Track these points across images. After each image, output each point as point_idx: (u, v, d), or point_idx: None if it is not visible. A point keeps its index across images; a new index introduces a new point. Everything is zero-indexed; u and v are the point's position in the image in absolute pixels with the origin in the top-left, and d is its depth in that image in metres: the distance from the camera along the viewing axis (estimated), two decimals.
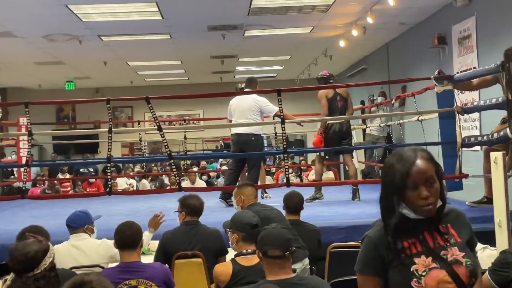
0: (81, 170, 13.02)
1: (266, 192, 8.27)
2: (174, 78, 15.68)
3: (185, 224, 4.54)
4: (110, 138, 5.99)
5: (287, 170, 6.16)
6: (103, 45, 10.48)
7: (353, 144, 8.78)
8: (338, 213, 6.55)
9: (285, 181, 6.13)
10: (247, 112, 7.25)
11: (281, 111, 6.12)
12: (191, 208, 4.54)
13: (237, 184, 6.93)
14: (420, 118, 7.39)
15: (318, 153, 7.83)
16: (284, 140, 6.06)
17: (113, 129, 6.08)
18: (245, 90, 7.43)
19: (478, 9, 7.54)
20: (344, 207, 6.99)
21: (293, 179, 11.61)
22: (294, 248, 2.89)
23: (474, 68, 7.40)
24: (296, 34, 10.39)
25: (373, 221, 5.02)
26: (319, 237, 4.98)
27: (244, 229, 3.76)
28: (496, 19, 7.12)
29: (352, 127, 9.93)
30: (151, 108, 6.07)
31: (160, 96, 7.02)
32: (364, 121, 11.25)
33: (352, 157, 8.11)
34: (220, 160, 16.07)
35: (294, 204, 4.98)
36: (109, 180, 6.17)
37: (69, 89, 14.58)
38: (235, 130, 7.38)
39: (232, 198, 5.04)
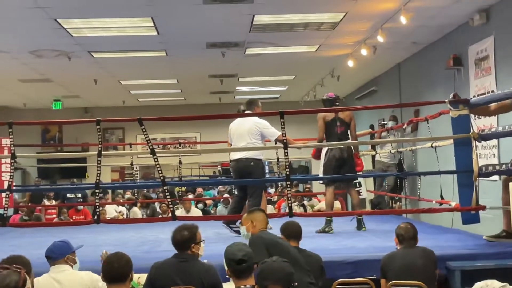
0: (67, 195, 13.01)
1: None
2: (169, 98, 15.74)
3: (175, 257, 4.50)
4: (99, 162, 6.00)
5: (289, 198, 6.16)
6: (94, 62, 10.55)
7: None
8: (345, 246, 6.53)
9: (287, 210, 6.12)
10: (247, 135, 7.26)
11: (283, 135, 6.13)
12: (175, 242, 4.46)
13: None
14: (433, 145, 7.41)
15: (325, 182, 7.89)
16: (287, 166, 6.06)
17: (102, 152, 6.09)
18: (246, 112, 7.45)
19: (496, 29, 7.60)
20: (351, 240, 6.96)
21: (297, 209, 11.57)
22: (296, 284, 2.87)
23: (492, 91, 7.43)
24: (301, 53, 10.46)
25: (382, 255, 5.07)
26: (321, 263, 4.96)
27: (230, 265, 3.74)
28: None
29: (360, 153, 9.98)
30: (144, 130, 6.09)
31: (154, 118, 7.03)
32: (373, 147, 11.27)
33: (358, 186, 8.14)
34: (218, 187, 16.05)
35: (294, 230, 5.01)
36: (97, 207, 6.17)
37: (56, 108, 14.65)
38: (234, 156, 7.39)
39: (238, 224, 5.03)
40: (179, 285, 4.25)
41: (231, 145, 7.61)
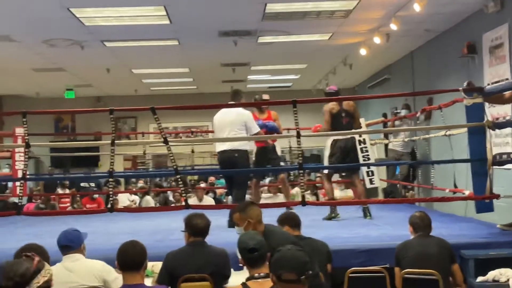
0: (81, 184, 13.09)
1: None
2: (181, 87, 15.76)
3: (189, 245, 4.58)
4: (112, 151, 6.02)
5: (303, 187, 6.16)
6: (106, 51, 10.58)
7: (372, 160, 8.91)
8: (358, 234, 6.54)
9: (300, 199, 6.13)
10: (229, 126, 7.19)
11: (297, 123, 6.10)
12: (195, 228, 4.58)
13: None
14: (447, 133, 7.39)
15: (322, 172, 7.95)
16: (300, 155, 6.06)
17: (115, 141, 6.11)
18: (230, 103, 7.37)
19: (511, 16, 7.54)
20: (365, 228, 6.97)
21: (309, 198, 11.58)
22: (310, 272, 2.88)
23: (507, 79, 7.38)
24: (314, 41, 10.43)
25: (396, 244, 5.07)
26: (328, 249, 5.00)
27: (242, 254, 3.78)
28: None
29: (373, 141, 9.98)
30: (157, 119, 6.11)
31: (166, 107, 7.05)
32: (386, 136, 11.24)
33: (371, 175, 8.24)
34: None
35: (293, 218, 5.07)
36: (110, 196, 6.20)
37: (69, 97, 14.69)
38: (219, 148, 7.33)
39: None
40: (195, 271, 4.30)
41: None
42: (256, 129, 7.24)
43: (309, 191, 12.23)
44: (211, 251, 4.55)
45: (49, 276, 2.81)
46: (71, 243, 4.42)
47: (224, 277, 4.50)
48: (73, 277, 4.20)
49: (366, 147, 9.59)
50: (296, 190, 11.06)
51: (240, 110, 7.28)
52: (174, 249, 4.61)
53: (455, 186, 7.10)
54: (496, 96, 6.12)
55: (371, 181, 9.94)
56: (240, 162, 7.14)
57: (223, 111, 7.38)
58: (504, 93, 6.00)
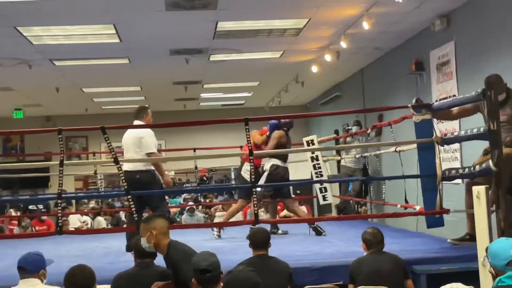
0: (29, 207, 12.78)
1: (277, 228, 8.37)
2: (133, 106, 15.50)
3: (136, 266, 4.56)
4: (61, 171, 5.89)
5: (255, 205, 6.13)
6: (55, 69, 10.40)
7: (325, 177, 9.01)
8: (312, 252, 6.53)
9: (253, 217, 6.09)
10: (131, 147, 6.91)
11: (249, 141, 6.08)
12: (142, 249, 4.50)
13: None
14: (397, 149, 7.47)
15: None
16: (252, 173, 6.04)
17: (65, 161, 5.98)
18: (134, 123, 7.09)
19: (457, 34, 7.71)
20: (318, 246, 6.97)
21: (263, 215, 11.54)
22: None
23: (454, 96, 7.53)
24: (266, 59, 10.47)
25: (350, 260, 5.07)
26: (290, 270, 4.99)
27: (195, 275, 3.73)
28: (476, 43, 7.28)
29: (325, 158, 10.06)
30: (107, 138, 6.00)
31: (117, 126, 6.93)
32: (338, 153, 11.32)
33: (324, 191, 8.42)
34: (184, 195, 15.95)
35: (260, 238, 5.07)
36: (60, 217, 6.05)
37: (17, 117, 14.39)
38: (124, 167, 6.77)
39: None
40: None
41: None
42: (151, 149, 6.86)
43: (263, 209, 12.19)
44: (157, 270, 4.52)
45: None
46: (27, 266, 4.26)
47: None
48: None
49: (318, 164, 9.62)
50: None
51: (141, 130, 6.98)
52: (121, 271, 4.55)
53: (406, 202, 7.17)
54: (445, 112, 6.22)
55: (324, 198, 9.96)
56: (144, 183, 6.78)
57: (128, 131, 7.10)
58: (452, 109, 6.11)
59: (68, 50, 9.13)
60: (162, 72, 11.27)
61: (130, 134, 7.02)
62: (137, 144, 6.88)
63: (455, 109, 6.10)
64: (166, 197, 15.07)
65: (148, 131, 7.03)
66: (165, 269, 4.53)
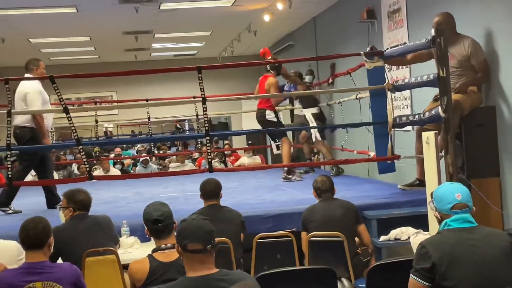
0: None
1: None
2: (83, 56, 15.23)
3: (75, 218, 4.59)
4: (9, 122, 5.76)
5: (209, 155, 6.11)
6: (0, 19, 10.03)
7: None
8: (265, 200, 6.59)
9: (207, 167, 6.08)
10: (19, 101, 6.63)
11: (202, 92, 6.00)
12: (80, 203, 4.64)
13: None
14: (358, 97, 7.51)
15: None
16: (206, 123, 6.00)
17: (12, 111, 5.83)
18: (25, 76, 6.83)
19: None
20: (272, 194, 7.04)
21: (217, 165, 11.57)
22: (216, 241, 2.85)
23: (405, 43, 7.56)
24: (217, 8, 10.29)
25: (303, 208, 5.12)
26: (242, 219, 5.05)
27: (147, 225, 3.78)
28: None
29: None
30: (56, 88, 5.87)
31: (66, 75, 6.77)
32: (291, 102, 11.32)
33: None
34: (137, 146, 15.84)
35: (210, 188, 5.08)
36: (9, 170, 5.92)
37: None
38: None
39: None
40: (87, 244, 4.32)
41: None
42: (35, 106, 6.55)
43: (217, 159, 12.21)
44: (96, 219, 4.63)
45: None
46: None
47: (113, 241, 4.60)
48: None
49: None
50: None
51: (25, 84, 6.71)
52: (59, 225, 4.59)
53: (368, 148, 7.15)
54: (399, 59, 6.25)
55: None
56: (21, 140, 6.62)
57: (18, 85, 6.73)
58: (407, 55, 6.13)
59: None
60: (111, 21, 10.98)
61: (18, 89, 6.64)
62: (21, 99, 6.60)
63: (409, 55, 6.14)
64: (118, 150, 14.99)
65: (31, 86, 6.66)
66: (105, 216, 4.74)
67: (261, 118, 8.14)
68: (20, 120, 6.58)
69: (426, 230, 4.79)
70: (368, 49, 6.17)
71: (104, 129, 17.53)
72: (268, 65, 8.57)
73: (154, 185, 8.35)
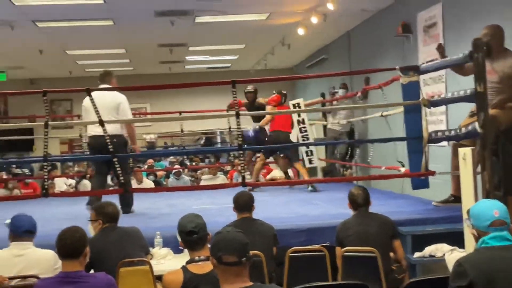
0: (15, 171, 12.71)
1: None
2: (118, 68, 15.39)
3: (105, 230, 4.68)
4: (46, 133, 5.85)
5: (242, 168, 6.12)
6: (38, 31, 10.23)
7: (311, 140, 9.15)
8: (298, 214, 6.57)
9: (240, 180, 6.09)
10: (106, 111, 6.60)
11: (235, 101, 6.03)
12: (110, 215, 4.73)
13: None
14: (384, 114, 7.46)
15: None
16: (240, 136, 6.02)
17: (49, 123, 5.93)
18: (102, 86, 6.92)
19: None
20: (304, 208, 7.01)
21: (249, 178, 11.56)
22: (250, 254, 2.85)
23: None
24: (251, 21, 10.36)
25: (336, 222, 5.09)
26: (274, 232, 5.04)
27: (181, 237, 3.80)
28: (463, 6, 7.24)
29: (312, 122, 10.09)
30: (92, 101, 5.96)
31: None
32: (324, 116, 11.31)
33: (310, 154, 8.71)
34: (170, 158, 15.94)
35: (243, 201, 5.10)
36: (46, 180, 6.01)
37: (0, 80, 14.19)
38: (91, 132, 6.94)
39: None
40: (120, 254, 4.39)
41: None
42: (129, 115, 6.99)
43: (249, 172, 12.21)
44: (124, 231, 4.71)
45: None
46: (34, 229, 4.37)
47: (143, 251, 4.67)
48: (20, 265, 4.14)
49: (305, 127, 9.64)
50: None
51: (115, 94, 6.90)
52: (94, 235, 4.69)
53: (403, 165, 7.06)
54: (459, 68, 5.97)
55: (310, 161, 10.02)
56: (119, 147, 6.73)
57: (102, 94, 6.73)
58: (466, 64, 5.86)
59: (51, 11, 8.97)
60: (147, 34, 11.13)
61: (104, 99, 6.69)
62: (116, 108, 6.81)
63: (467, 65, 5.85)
64: (151, 161, 15.13)
65: (124, 96, 6.95)
66: (134, 228, 4.80)
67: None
68: (114, 128, 6.73)
69: (461, 247, 4.73)
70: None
71: (148, 139, 17.72)
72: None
73: (186, 196, 8.39)
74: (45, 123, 5.83)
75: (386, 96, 7.30)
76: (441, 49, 5.98)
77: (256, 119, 9.25)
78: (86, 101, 6.60)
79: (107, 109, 6.65)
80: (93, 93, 6.29)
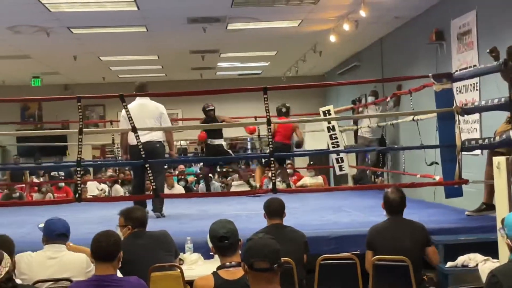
0: (52, 174, 12.92)
1: None
2: (150, 75, 15.60)
3: (133, 235, 4.66)
4: (80, 139, 5.92)
5: (273, 175, 6.12)
6: (73, 38, 10.40)
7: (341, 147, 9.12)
8: (329, 221, 6.54)
9: (270, 187, 6.09)
10: (151, 118, 7.12)
11: (267, 113, 6.02)
12: (138, 220, 4.72)
13: None
14: (415, 118, 7.39)
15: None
16: (270, 143, 6.02)
17: (83, 129, 6.01)
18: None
19: (478, 3, 7.58)
20: (335, 215, 6.98)
21: (280, 185, 11.56)
22: (282, 260, 2.85)
23: (475, 66, 7.43)
24: (283, 28, 10.38)
25: (366, 230, 5.05)
26: (305, 239, 5.00)
27: (213, 242, 3.78)
28: (498, 14, 7.16)
29: (342, 128, 10.07)
30: (125, 106, 6.02)
31: (135, 94, 6.95)
32: (355, 123, 11.26)
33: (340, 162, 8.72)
34: (200, 164, 16.01)
35: (274, 208, 5.05)
36: (79, 185, 6.09)
37: (35, 85, 14.43)
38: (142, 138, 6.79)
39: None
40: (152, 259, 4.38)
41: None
42: (169, 123, 7.51)
43: (279, 178, 12.21)
44: (153, 235, 4.71)
45: (10, 266, 2.74)
46: (67, 232, 4.43)
47: (173, 255, 4.69)
48: (53, 268, 4.18)
49: (335, 134, 9.60)
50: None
51: (156, 104, 7.27)
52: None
53: (433, 163, 6.96)
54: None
55: (340, 168, 9.97)
56: (160, 152, 7.30)
57: (140, 102, 7.15)
58: None
59: (86, 18, 9.11)
60: (179, 40, 11.23)
61: (146, 107, 7.08)
62: (157, 116, 7.14)
63: None
64: (182, 167, 15.23)
65: (163, 106, 7.32)
66: (163, 231, 4.79)
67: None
68: (158, 135, 7.15)
69: (495, 257, 4.66)
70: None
71: (179, 146, 17.83)
72: (283, 108, 9.44)
73: (217, 202, 8.42)
74: (79, 129, 5.91)
75: (414, 104, 7.22)
76: (495, 53, 5.69)
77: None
78: (130, 108, 6.47)
79: (151, 118, 7.08)
80: (134, 103, 6.58)
